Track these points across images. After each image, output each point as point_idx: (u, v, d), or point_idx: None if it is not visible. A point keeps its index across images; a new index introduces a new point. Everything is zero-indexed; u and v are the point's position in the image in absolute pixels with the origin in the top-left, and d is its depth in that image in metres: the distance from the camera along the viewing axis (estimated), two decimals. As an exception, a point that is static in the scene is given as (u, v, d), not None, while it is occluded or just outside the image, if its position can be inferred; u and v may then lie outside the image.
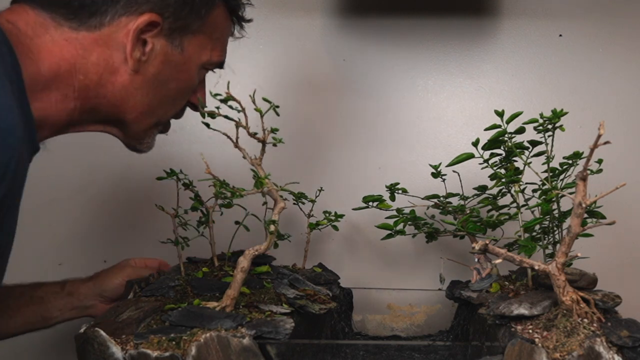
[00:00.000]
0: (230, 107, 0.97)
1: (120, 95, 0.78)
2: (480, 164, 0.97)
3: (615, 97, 1.30)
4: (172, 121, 1.29)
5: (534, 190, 0.99)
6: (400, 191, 1.08)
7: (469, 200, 1.07)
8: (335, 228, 1.14)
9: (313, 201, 1.14)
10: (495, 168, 0.98)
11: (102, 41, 0.75)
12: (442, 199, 1.07)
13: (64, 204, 1.30)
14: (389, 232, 1.05)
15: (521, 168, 0.97)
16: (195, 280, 0.99)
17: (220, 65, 0.90)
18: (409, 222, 1.06)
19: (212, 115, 0.98)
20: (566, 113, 0.88)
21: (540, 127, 0.90)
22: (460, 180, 1.05)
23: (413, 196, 1.06)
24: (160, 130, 0.90)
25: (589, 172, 0.74)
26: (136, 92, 0.79)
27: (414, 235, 1.10)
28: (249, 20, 0.92)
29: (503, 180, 0.97)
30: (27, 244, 1.14)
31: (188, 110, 1.08)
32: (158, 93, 0.82)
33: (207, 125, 1.00)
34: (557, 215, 0.94)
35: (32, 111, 0.70)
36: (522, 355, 0.74)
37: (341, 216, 1.13)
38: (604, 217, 0.92)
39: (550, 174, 0.94)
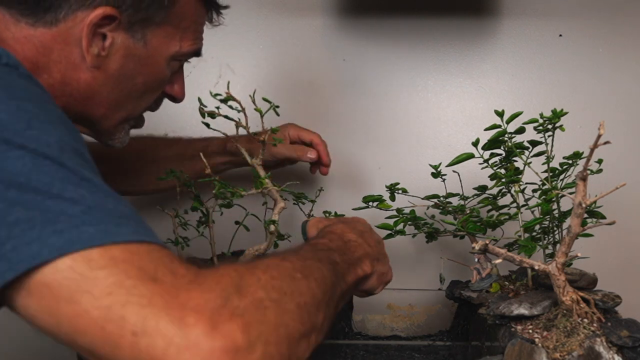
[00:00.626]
0: (230, 107, 0.97)
1: (85, 92, 0.75)
2: (480, 164, 0.97)
3: (616, 97, 1.30)
4: (173, 121, 1.30)
5: (534, 190, 0.99)
6: (400, 191, 1.08)
7: (469, 200, 1.07)
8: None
9: (313, 201, 1.14)
10: (495, 168, 0.98)
11: (60, 38, 0.72)
12: (442, 199, 1.07)
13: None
14: (389, 232, 1.05)
15: (521, 168, 0.97)
16: (195, 280, 0.98)
17: (196, 54, 0.85)
18: (409, 222, 1.06)
19: (212, 115, 0.98)
20: (566, 113, 0.88)
21: (540, 127, 0.90)
22: (460, 180, 1.05)
23: (413, 196, 1.06)
24: (132, 125, 0.86)
25: (589, 172, 0.73)
26: (101, 88, 0.76)
27: (414, 235, 1.10)
28: (225, 7, 0.87)
29: (503, 180, 0.97)
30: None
31: (188, 110, 1.08)
32: (124, 88, 0.78)
33: (207, 125, 1.00)
34: (557, 215, 0.94)
35: None
36: (522, 355, 0.74)
37: (341, 216, 1.13)
38: (604, 217, 0.92)
39: (550, 174, 0.94)
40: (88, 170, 0.57)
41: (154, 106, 0.87)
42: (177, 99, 0.88)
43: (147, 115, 0.89)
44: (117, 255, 0.51)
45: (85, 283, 0.49)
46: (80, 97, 0.75)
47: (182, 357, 0.47)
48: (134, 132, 0.91)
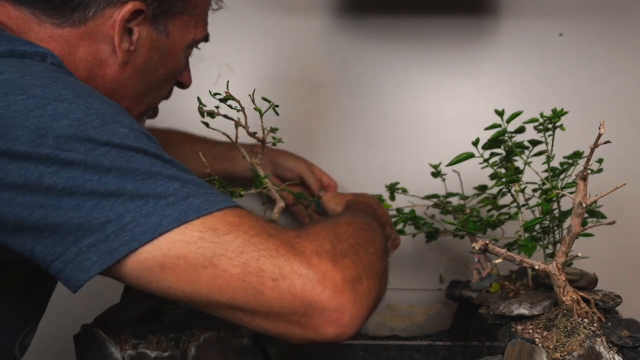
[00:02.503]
0: (230, 106, 0.96)
1: (111, 87, 0.77)
2: (480, 163, 0.97)
3: (616, 97, 1.30)
4: (172, 121, 1.30)
5: (535, 190, 0.99)
6: (400, 191, 1.08)
7: (469, 200, 1.07)
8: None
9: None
10: (495, 168, 0.98)
11: (87, 36, 0.73)
12: (442, 199, 1.07)
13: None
14: (389, 232, 1.05)
15: (521, 168, 0.97)
16: (195, 280, 0.98)
17: (206, 39, 0.88)
18: (409, 222, 1.06)
19: (212, 115, 0.98)
20: (567, 113, 0.88)
21: (541, 127, 0.90)
22: (461, 180, 1.05)
23: (413, 196, 1.06)
24: (150, 116, 0.88)
25: (589, 172, 0.73)
26: (127, 82, 0.78)
27: (414, 235, 1.10)
28: None
29: (503, 180, 0.97)
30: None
31: (187, 109, 1.08)
32: (148, 81, 0.80)
33: (207, 125, 1.00)
34: (557, 215, 0.94)
35: None
36: (523, 355, 0.74)
37: None
38: (604, 217, 0.91)
39: (551, 173, 0.93)
40: (161, 150, 0.62)
41: (168, 95, 0.89)
42: (185, 85, 0.91)
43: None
44: (232, 221, 0.59)
45: (219, 248, 0.57)
46: (105, 93, 0.75)
47: (317, 289, 0.58)
48: (153, 123, 0.92)
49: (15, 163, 0.56)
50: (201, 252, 0.57)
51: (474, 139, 0.95)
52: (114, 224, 0.56)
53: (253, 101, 0.95)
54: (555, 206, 0.94)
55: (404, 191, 1.09)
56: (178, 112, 1.28)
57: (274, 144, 1.02)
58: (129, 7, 0.73)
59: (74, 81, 0.65)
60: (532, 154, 0.95)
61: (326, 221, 0.71)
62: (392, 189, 1.10)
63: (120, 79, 0.77)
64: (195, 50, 0.90)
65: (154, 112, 0.89)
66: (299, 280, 0.57)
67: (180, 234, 0.57)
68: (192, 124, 1.28)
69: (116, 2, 0.73)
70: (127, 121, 0.62)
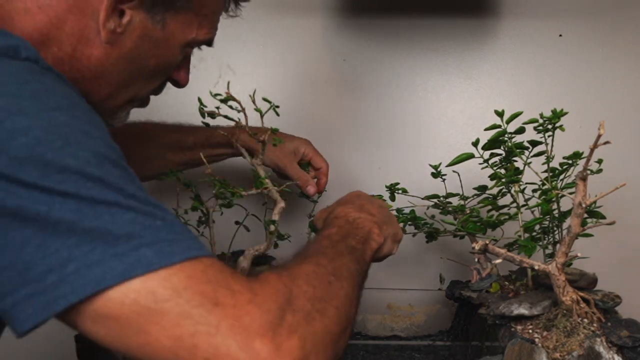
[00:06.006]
0: (230, 107, 0.97)
1: (95, 69, 0.72)
2: (480, 164, 0.97)
3: (615, 97, 1.30)
4: (172, 121, 1.30)
5: (534, 190, 0.99)
6: (400, 191, 1.08)
7: (469, 200, 1.07)
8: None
9: (315, 201, 1.15)
10: (495, 168, 0.98)
11: (76, 9, 0.69)
12: (442, 199, 1.07)
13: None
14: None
15: (521, 168, 0.97)
16: (195, 280, 0.98)
17: (208, 42, 0.83)
18: (409, 222, 1.06)
19: (212, 115, 0.98)
20: (566, 113, 0.88)
21: (540, 127, 0.90)
22: (460, 180, 1.05)
23: (413, 196, 1.06)
24: (137, 105, 0.84)
25: (589, 172, 0.74)
26: (112, 66, 0.73)
27: (414, 235, 1.10)
28: (246, 0, 0.85)
29: (503, 180, 0.97)
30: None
31: (188, 110, 1.08)
32: (135, 69, 0.76)
33: (207, 125, 1.01)
34: (557, 215, 0.94)
35: None
36: (522, 355, 0.74)
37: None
38: (604, 217, 0.92)
39: (550, 174, 0.94)
40: (127, 180, 0.57)
41: (158, 90, 0.85)
42: (180, 84, 0.86)
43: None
44: (178, 284, 0.53)
45: (153, 316, 0.52)
46: (89, 75, 0.73)
47: None
48: (131, 116, 0.89)
49: None
50: (134, 317, 0.52)
51: (473, 139, 0.95)
52: (54, 274, 0.51)
53: (253, 101, 0.95)
54: (554, 206, 0.94)
55: (404, 191, 1.09)
56: (178, 112, 1.28)
57: (274, 145, 1.02)
58: None
59: (44, 87, 0.60)
60: (532, 154, 0.95)
61: (281, 273, 0.62)
62: (392, 189, 1.10)
63: (105, 63, 0.73)
64: (195, 50, 0.89)
65: (142, 102, 0.85)
66: None
67: (118, 292, 0.52)
68: (193, 124, 1.29)
69: None
70: (93, 142, 0.57)
